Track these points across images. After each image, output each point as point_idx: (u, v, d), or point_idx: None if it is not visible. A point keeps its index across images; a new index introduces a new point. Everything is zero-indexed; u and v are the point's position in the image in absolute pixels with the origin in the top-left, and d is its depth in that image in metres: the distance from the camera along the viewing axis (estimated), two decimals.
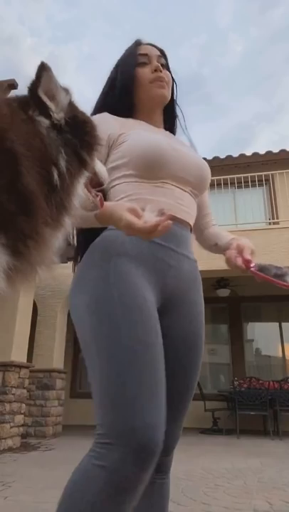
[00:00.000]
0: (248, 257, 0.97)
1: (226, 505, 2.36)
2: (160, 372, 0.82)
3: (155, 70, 1.12)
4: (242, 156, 8.28)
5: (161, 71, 1.12)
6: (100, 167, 0.81)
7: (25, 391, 5.16)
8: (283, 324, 7.92)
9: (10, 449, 4.55)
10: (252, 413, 6.03)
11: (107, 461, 0.73)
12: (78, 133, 0.66)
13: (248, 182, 7.29)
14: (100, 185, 0.81)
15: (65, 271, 1.74)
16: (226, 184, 7.24)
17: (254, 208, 7.37)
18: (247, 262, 0.96)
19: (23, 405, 5.10)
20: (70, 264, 1.11)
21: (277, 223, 7.18)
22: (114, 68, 1.16)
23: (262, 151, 8.26)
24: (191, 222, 1.05)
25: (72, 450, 4.02)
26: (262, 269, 0.93)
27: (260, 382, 6.29)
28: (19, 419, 4.94)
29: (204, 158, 1.14)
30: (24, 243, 0.54)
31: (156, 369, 0.81)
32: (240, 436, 5.81)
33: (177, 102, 1.23)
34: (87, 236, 1.02)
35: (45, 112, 0.62)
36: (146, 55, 1.14)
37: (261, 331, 8.28)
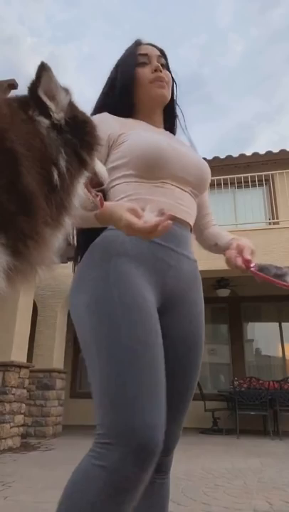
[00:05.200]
0: (248, 257, 0.97)
1: (226, 505, 2.36)
2: (160, 372, 0.82)
3: (155, 70, 1.12)
4: (242, 156, 8.27)
5: (161, 71, 1.12)
6: (100, 167, 0.81)
7: (25, 391, 5.16)
8: (283, 324, 7.92)
9: (10, 449, 4.55)
10: (252, 413, 6.03)
11: (107, 461, 0.73)
12: (78, 133, 0.66)
13: (248, 182, 7.30)
14: (100, 185, 0.81)
15: (65, 271, 1.74)
16: (226, 184, 7.24)
17: (254, 208, 7.37)
18: (247, 262, 0.96)
19: (23, 405, 5.10)
20: (70, 264, 1.11)
21: (277, 223, 7.18)
22: (114, 68, 1.16)
23: (262, 151, 8.26)
24: (191, 222, 1.05)
25: (72, 450, 4.01)
26: (262, 269, 0.93)
27: (260, 382, 6.29)
28: (19, 419, 4.94)
29: (204, 158, 1.15)
30: (24, 243, 0.54)
31: (156, 369, 0.81)
32: (240, 436, 5.81)
33: (177, 101, 1.23)
34: (87, 236, 1.02)
35: (45, 111, 0.62)
36: (146, 55, 1.14)
37: (261, 331, 8.28)
